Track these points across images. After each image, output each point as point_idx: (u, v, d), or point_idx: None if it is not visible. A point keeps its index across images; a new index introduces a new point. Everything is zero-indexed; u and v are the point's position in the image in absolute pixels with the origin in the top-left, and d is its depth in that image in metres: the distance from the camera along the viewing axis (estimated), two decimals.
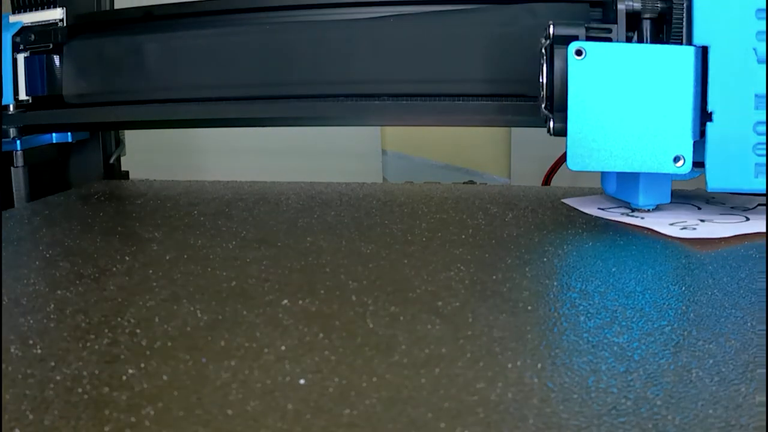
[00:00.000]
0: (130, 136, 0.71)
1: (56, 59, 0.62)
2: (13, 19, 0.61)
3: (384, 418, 0.23)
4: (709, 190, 0.43)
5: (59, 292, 0.34)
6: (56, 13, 0.62)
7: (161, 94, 0.61)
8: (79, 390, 0.25)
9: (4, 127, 0.59)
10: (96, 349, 0.28)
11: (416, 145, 1.18)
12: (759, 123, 0.42)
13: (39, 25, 0.62)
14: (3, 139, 0.59)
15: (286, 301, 0.33)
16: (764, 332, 0.29)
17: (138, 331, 0.30)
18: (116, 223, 0.47)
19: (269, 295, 0.34)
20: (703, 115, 0.43)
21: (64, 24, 0.62)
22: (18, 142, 0.60)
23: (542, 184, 0.96)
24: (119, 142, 0.69)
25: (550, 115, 0.44)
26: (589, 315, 0.31)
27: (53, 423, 0.22)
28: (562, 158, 0.99)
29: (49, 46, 0.62)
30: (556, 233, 0.44)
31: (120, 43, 0.61)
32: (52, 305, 0.32)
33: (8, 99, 0.60)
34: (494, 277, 0.36)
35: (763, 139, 0.42)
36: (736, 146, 0.42)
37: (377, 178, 1.16)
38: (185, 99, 0.60)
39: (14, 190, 0.59)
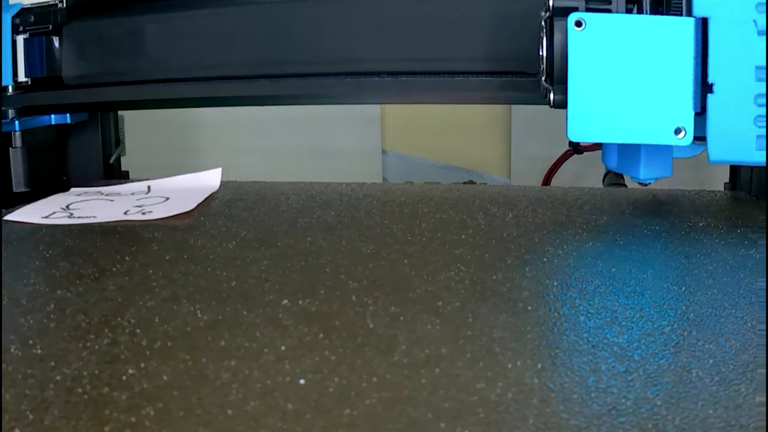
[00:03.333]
0: (130, 137, 0.71)
1: (55, 41, 0.62)
2: (13, 0, 0.61)
3: (384, 418, 0.23)
4: (710, 162, 0.43)
5: (59, 292, 0.34)
6: None
7: (160, 73, 0.61)
8: (79, 390, 0.25)
9: (3, 108, 0.59)
10: (96, 349, 0.28)
11: (416, 145, 1.18)
12: (759, 95, 0.42)
13: (38, 7, 0.62)
14: (2, 120, 0.59)
15: (286, 301, 0.33)
16: (764, 332, 0.29)
17: (138, 331, 0.30)
18: (116, 223, 0.47)
19: (269, 295, 0.34)
20: (704, 87, 0.42)
21: (64, 5, 0.62)
22: (17, 122, 0.60)
23: (542, 184, 0.96)
24: (119, 142, 0.69)
25: (550, 88, 0.44)
26: (589, 315, 0.31)
27: (53, 423, 0.22)
28: (562, 158, 0.99)
29: (49, 27, 0.62)
30: (556, 233, 0.44)
31: (119, 23, 0.62)
32: (52, 305, 0.32)
33: (7, 80, 0.60)
34: (494, 277, 0.36)
35: (764, 111, 0.42)
36: (737, 118, 0.42)
37: (377, 178, 1.16)
38: (185, 78, 0.61)
39: (12, 172, 0.59)
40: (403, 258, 0.39)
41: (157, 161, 0.84)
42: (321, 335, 0.29)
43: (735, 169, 0.59)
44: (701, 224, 0.46)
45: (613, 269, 0.37)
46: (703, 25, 0.42)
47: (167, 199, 0.52)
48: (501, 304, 0.32)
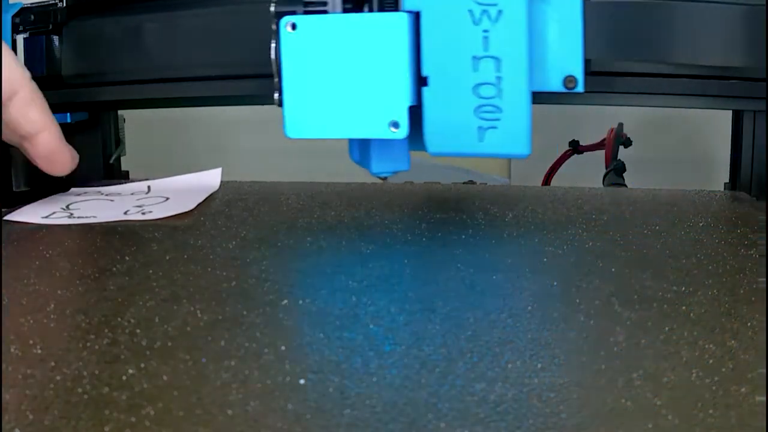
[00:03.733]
0: (130, 137, 0.71)
1: (56, 40, 0.62)
2: (13, 0, 0.61)
3: (384, 418, 0.23)
4: (431, 154, 0.44)
5: (59, 292, 0.34)
6: None
7: (161, 72, 0.61)
8: (79, 390, 0.25)
9: None
10: (96, 349, 0.28)
11: None
12: (479, 85, 0.42)
13: (38, 6, 0.62)
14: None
15: (286, 301, 0.33)
16: (764, 332, 0.29)
17: (138, 331, 0.30)
18: (117, 223, 0.47)
19: (269, 295, 0.34)
20: (420, 81, 0.43)
21: (64, 4, 0.62)
22: None
23: (542, 184, 0.96)
24: (119, 142, 0.69)
25: (276, 88, 0.45)
26: (589, 315, 0.31)
27: (53, 423, 0.22)
28: (562, 158, 0.99)
29: (49, 26, 0.62)
30: (556, 233, 0.44)
31: (120, 22, 0.62)
32: (52, 305, 0.32)
33: None
34: (494, 277, 0.36)
35: (485, 101, 0.42)
36: (456, 109, 0.42)
37: (377, 178, 1.15)
38: (186, 78, 0.61)
39: (12, 172, 0.59)
40: (403, 258, 0.39)
41: (157, 161, 0.84)
42: (321, 335, 0.29)
43: (735, 169, 0.59)
44: (701, 224, 0.46)
45: (613, 269, 0.37)
46: (416, 19, 0.42)
47: (167, 199, 0.52)
48: (501, 304, 0.32)
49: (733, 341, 0.28)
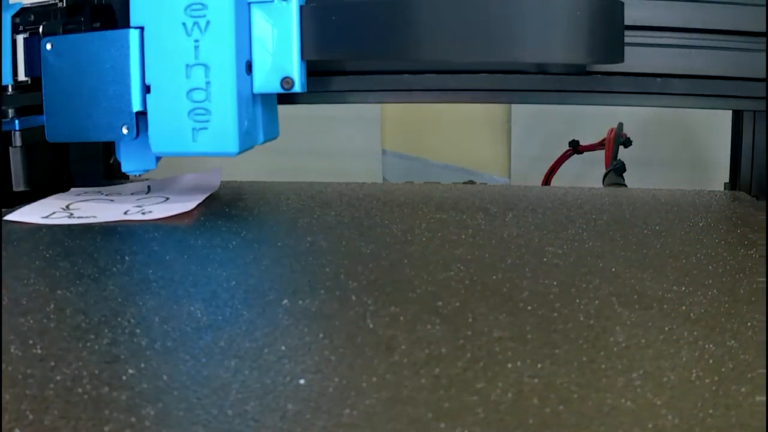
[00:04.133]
0: None
1: None
2: (13, 0, 0.61)
3: (384, 418, 0.23)
4: (155, 153, 0.49)
5: (59, 292, 0.34)
6: None
7: None
8: (79, 390, 0.25)
9: (3, 107, 0.59)
10: (96, 349, 0.28)
11: (416, 145, 1.18)
12: (192, 90, 0.47)
13: (38, 6, 0.62)
14: (2, 119, 0.59)
15: (286, 301, 0.33)
16: (764, 332, 0.29)
17: (138, 331, 0.30)
18: (116, 223, 0.47)
19: (269, 295, 0.34)
20: (146, 89, 0.48)
21: (64, 5, 0.62)
22: (17, 121, 0.60)
23: (542, 184, 0.96)
24: None
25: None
26: (588, 314, 0.31)
27: (53, 423, 0.23)
28: (562, 158, 0.99)
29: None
30: (556, 233, 0.44)
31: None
32: (52, 305, 0.32)
33: (7, 79, 0.60)
34: (494, 277, 0.36)
35: (197, 104, 0.47)
36: (173, 113, 0.47)
37: (377, 178, 1.16)
38: None
39: (12, 172, 0.59)
40: (403, 258, 0.39)
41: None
42: (321, 335, 0.29)
43: (735, 169, 0.59)
44: (701, 224, 0.46)
45: (613, 269, 0.37)
46: (142, 33, 0.47)
47: (167, 199, 0.52)
48: (501, 304, 0.32)
49: (733, 341, 0.28)
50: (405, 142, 1.18)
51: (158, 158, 0.51)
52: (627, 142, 0.91)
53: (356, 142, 1.19)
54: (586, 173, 1.01)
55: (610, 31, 0.48)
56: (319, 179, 0.60)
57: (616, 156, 0.90)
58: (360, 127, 1.17)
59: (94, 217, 0.48)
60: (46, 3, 0.59)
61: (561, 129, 1.01)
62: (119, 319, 0.31)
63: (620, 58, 0.50)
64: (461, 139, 1.15)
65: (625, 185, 0.85)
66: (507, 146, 1.15)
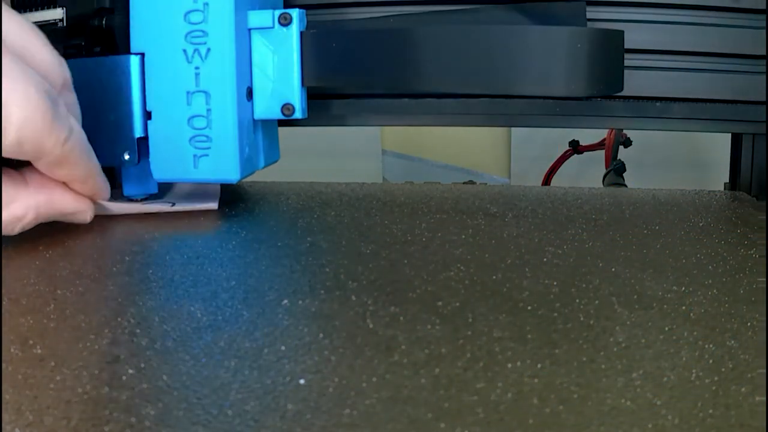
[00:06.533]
0: None
1: None
2: None
3: (384, 418, 0.23)
4: (156, 179, 0.48)
5: (59, 292, 0.34)
6: (56, 13, 0.61)
7: None
8: (79, 390, 0.25)
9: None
10: (96, 349, 0.28)
11: (416, 145, 1.18)
12: (193, 117, 0.47)
13: (38, 25, 0.61)
14: None
15: (286, 301, 0.33)
16: (764, 332, 0.29)
17: (138, 331, 0.30)
18: (116, 223, 0.47)
19: (269, 295, 0.34)
20: (147, 115, 0.47)
21: (64, 24, 0.62)
22: None
23: (542, 184, 0.97)
24: None
25: None
26: (588, 314, 0.31)
27: (53, 423, 0.23)
28: (562, 158, 0.99)
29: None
30: (556, 233, 0.44)
31: None
32: (52, 305, 0.32)
33: None
34: (494, 277, 0.36)
35: (198, 131, 0.47)
36: (174, 140, 0.47)
37: (377, 178, 1.16)
38: None
39: None
40: (403, 258, 0.39)
41: None
42: (321, 335, 0.29)
43: (735, 169, 0.59)
44: (701, 224, 0.46)
45: (613, 269, 0.37)
46: (142, 59, 0.47)
47: (173, 204, 0.52)
48: (501, 304, 0.32)
49: (733, 341, 0.28)
50: (405, 142, 1.18)
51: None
52: (627, 142, 0.92)
53: (356, 142, 1.19)
54: (586, 173, 1.01)
55: (610, 62, 0.48)
56: (319, 179, 0.60)
57: (616, 156, 0.90)
58: (360, 127, 1.17)
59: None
60: (46, 22, 0.59)
61: (561, 129, 1.01)
62: (119, 319, 0.31)
63: (620, 88, 0.50)
64: (461, 139, 1.15)
65: (625, 185, 0.85)
66: (507, 146, 1.15)
